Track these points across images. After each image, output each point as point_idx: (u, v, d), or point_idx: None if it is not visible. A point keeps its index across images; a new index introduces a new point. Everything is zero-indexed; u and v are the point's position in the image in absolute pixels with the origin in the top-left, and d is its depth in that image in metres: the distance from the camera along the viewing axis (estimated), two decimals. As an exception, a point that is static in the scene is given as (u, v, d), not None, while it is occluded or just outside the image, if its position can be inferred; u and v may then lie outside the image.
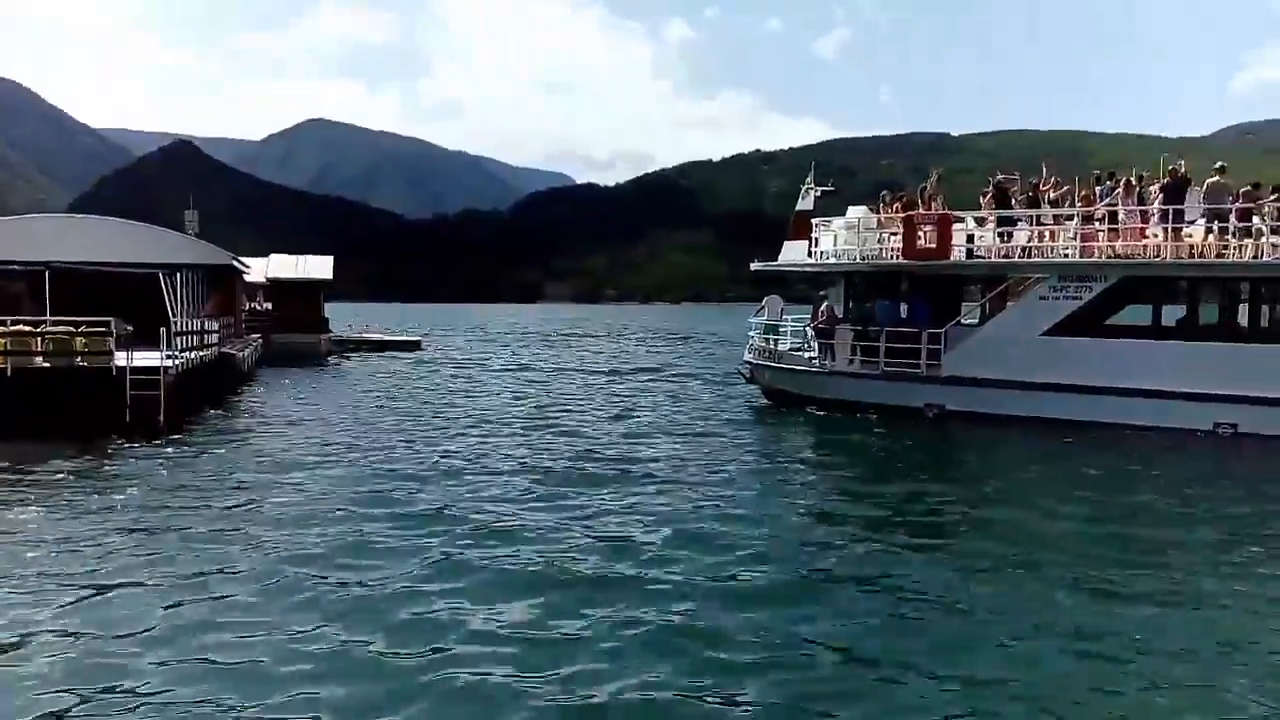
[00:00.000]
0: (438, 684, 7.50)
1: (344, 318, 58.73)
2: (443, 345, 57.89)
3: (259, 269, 45.40)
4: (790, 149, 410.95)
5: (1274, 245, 19.85)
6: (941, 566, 10.80)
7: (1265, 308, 20.92)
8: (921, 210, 23.63)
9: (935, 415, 22.31)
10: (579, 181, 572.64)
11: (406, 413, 24.04)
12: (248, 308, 45.71)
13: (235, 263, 32.55)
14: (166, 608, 9.14)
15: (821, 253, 25.02)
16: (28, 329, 20.22)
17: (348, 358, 45.83)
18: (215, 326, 29.69)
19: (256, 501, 13.64)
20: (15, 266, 26.60)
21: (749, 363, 27.82)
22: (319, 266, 49.90)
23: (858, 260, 24.22)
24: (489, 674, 7.69)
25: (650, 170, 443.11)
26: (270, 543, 11.39)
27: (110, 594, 9.58)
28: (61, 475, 15.26)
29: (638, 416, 23.79)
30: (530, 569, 10.47)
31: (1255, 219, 20.27)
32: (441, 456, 17.35)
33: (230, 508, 13.23)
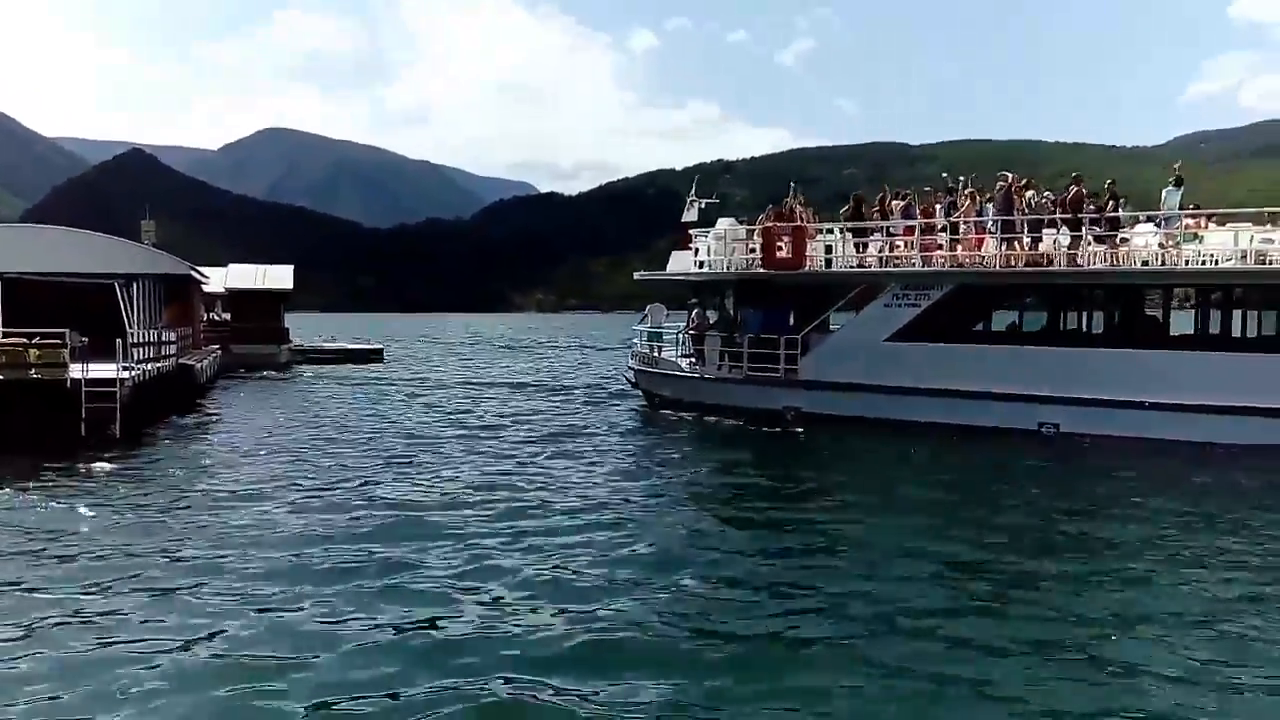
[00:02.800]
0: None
1: (305, 328, 58.08)
2: (402, 357, 57.48)
3: (218, 279, 44.89)
4: (752, 158, 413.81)
5: (1097, 255, 20.79)
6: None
7: (1086, 314, 22.02)
8: (771, 223, 24.55)
9: (793, 417, 23.03)
10: (543, 190, 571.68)
11: (356, 428, 23.46)
12: (206, 318, 45.16)
13: (193, 273, 32.21)
14: (103, 620, 9.07)
15: (700, 263, 25.95)
16: (-21, 341, 19.85)
17: (308, 369, 45.36)
18: (173, 337, 29.28)
19: (207, 516, 13.43)
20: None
21: (633, 369, 28.49)
22: (279, 276, 49.41)
23: (725, 271, 25.15)
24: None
25: (614, 179, 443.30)
26: (215, 557, 11.22)
27: (51, 609, 9.43)
28: (11, 489, 14.97)
29: (527, 428, 23.46)
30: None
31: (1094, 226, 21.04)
32: (374, 481, 16.39)
33: (182, 523, 13.05)
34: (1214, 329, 20.54)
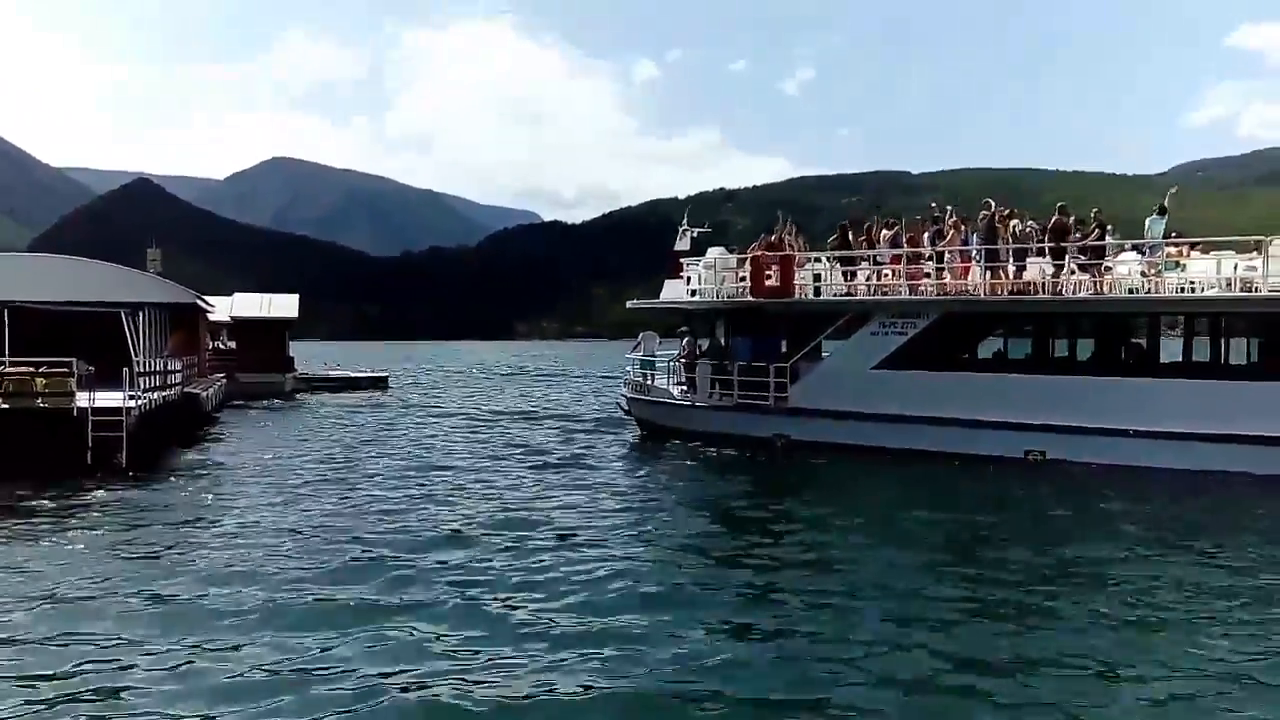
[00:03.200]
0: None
1: (311, 356, 58.17)
2: (407, 385, 57.55)
3: (223, 307, 45.11)
4: (754, 186, 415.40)
5: (1080, 283, 20.73)
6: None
7: (1071, 342, 22.22)
8: (761, 251, 24.67)
9: (782, 445, 23.30)
10: (546, 219, 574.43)
11: (361, 456, 23.49)
12: (212, 347, 45.34)
13: (199, 301, 32.34)
14: (104, 648, 9.09)
15: (692, 291, 26.02)
16: (-14, 370, 19.97)
17: (313, 398, 45.43)
18: (178, 366, 29.37)
19: (211, 546, 13.46)
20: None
21: (626, 396, 28.88)
22: (284, 305, 49.64)
23: (715, 299, 25.41)
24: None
25: (616, 208, 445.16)
26: (216, 588, 11.19)
27: (51, 637, 9.47)
28: (18, 517, 15.03)
29: (521, 457, 23.42)
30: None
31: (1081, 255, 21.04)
32: (380, 506, 16.64)
33: (185, 552, 13.05)
34: (1198, 356, 20.58)
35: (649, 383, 27.80)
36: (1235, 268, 19.94)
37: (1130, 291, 20.61)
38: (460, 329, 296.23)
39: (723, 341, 26.44)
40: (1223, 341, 20.57)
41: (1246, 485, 17.89)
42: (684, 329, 27.81)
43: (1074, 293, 20.74)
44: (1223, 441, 18.83)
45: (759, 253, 24.68)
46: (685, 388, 26.41)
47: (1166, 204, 21.35)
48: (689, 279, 26.33)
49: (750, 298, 24.32)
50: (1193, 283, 20.13)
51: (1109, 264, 21.26)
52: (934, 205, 25.13)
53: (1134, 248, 21.32)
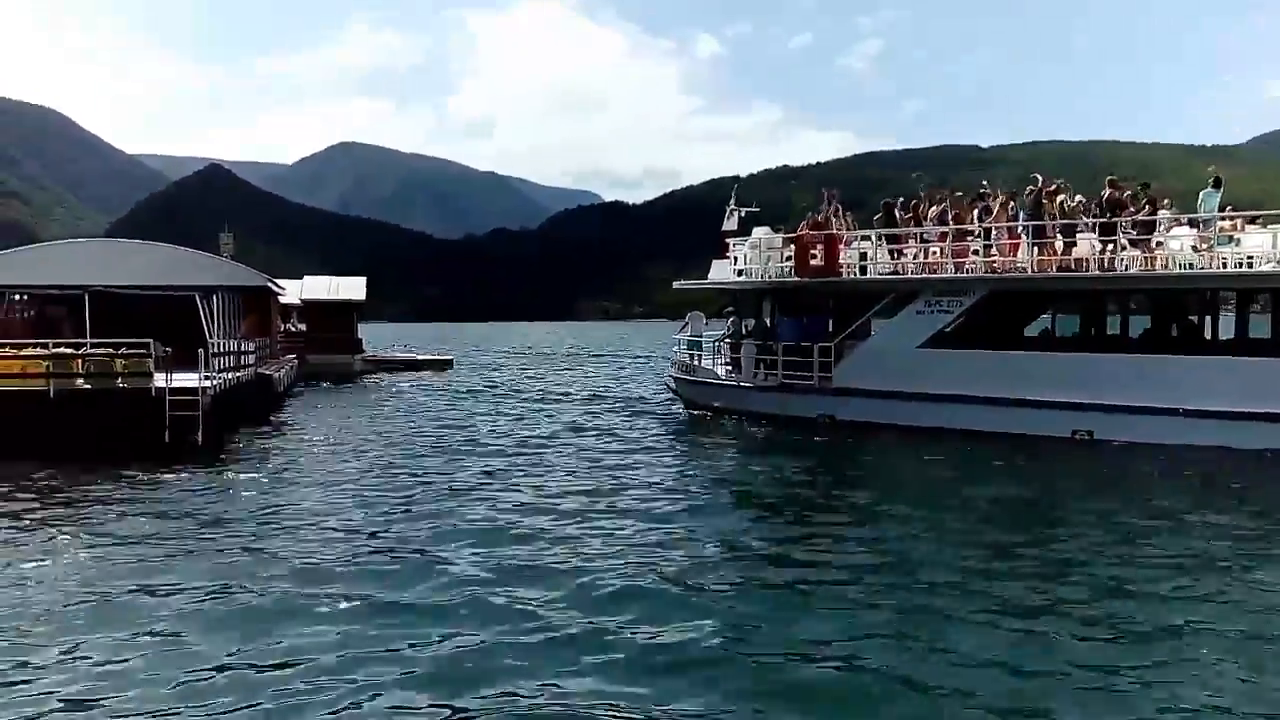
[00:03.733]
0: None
1: (377, 337, 59.03)
2: (471, 365, 58.15)
3: (293, 290, 45.95)
4: (818, 163, 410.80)
5: (1131, 259, 20.18)
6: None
7: (1120, 318, 21.81)
8: (807, 230, 24.63)
9: (827, 425, 23.14)
10: (607, 199, 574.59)
11: (429, 436, 23.70)
12: (283, 329, 46.27)
13: (270, 284, 32.93)
14: (185, 628, 9.25)
15: (739, 271, 25.96)
16: (69, 351, 20.56)
17: (380, 378, 46.15)
18: (251, 347, 29.99)
19: (285, 523, 13.68)
20: (55, 290, 27.17)
21: (673, 376, 28.95)
22: (352, 288, 50.43)
23: (760, 279, 25.33)
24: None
25: (678, 187, 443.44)
26: (292, 566, 11.32)
27: (131, 615, 9.66)
28: (99, 494, 15.46)
29: (579, 437, 23.35)
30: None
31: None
32: (452, 483, 16.81)
33: (260, 528, 13.30)
34: (1251, 333, 20.03)
35: (695, 363, 27.92)
36: (1274, 241, 19.12)
37: (1182, 267, 19.91)
38: (522, 310, 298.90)
39: (768, 321, 26.35)
40: (1273, 317, 19.90)
41: None
42: (729, 309, 27.86)
43: (1124, 269, 20.17)
44: (1275, 421, 18.23)
45: (804, 232, 24.52)
46: (731, 368, 26.49)
47: (1221, 176, 20.59)
48: (735, 259, 26.32)
49: (795, 277, 24.25)
50: (1250, 257, 19.39)
51: (1160, 239, 20.57)
52: (984, 184, 24.64)
53: (1188, 222, 20.61)
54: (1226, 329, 20.93)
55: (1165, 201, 21.64)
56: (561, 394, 36.17)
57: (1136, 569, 10.96)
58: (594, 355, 71.48)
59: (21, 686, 7.86)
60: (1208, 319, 21.01)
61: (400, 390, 38.41)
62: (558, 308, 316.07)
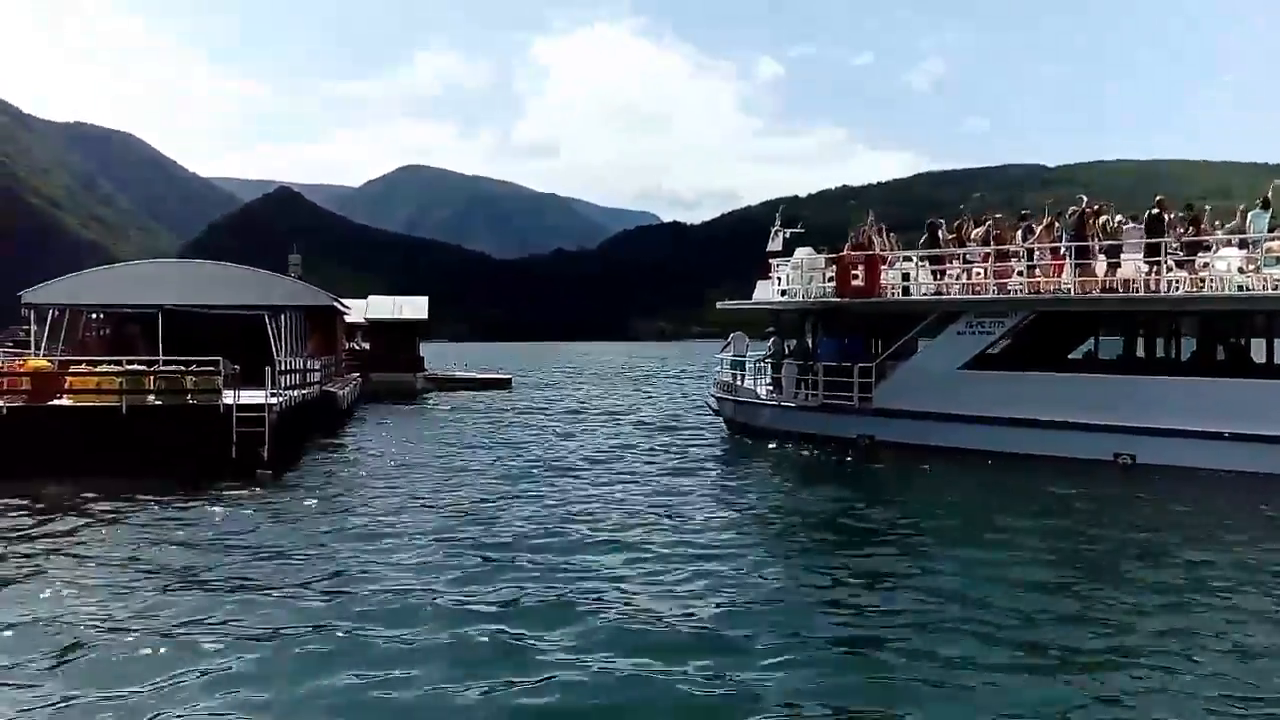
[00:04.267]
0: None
1: (438, 356, 59.67)
2: (531, 384, 58.55)
3: (358, 310, 46.79)
4: (879, 183, 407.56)
5: (1178, 280, 19.76)
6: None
7: (1163, 341, 21.36)
8: (849, 251, 24.48)
9: (867, 445, 23.01)
10: (665, 220, 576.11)
11: (491, 455, 23.75)
12: (348, 347, 47.10)
13: (336, 304, 33.56)
14: (249, 636, 9.41)
15: (782, 291, 26.01)
16: (141, 368, 21.13)
17: (441, 396, 46.64)
18: (317, 365, 30.53)
19: (350, 541, 13.85)
20: (130, 309, 28.01)
21: (715, 396, 29.19)
22: (414, 307, 51.20)
23: (802, 299, 25.42)
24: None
25: (736, 208, 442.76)
26: (359, 585, 11.42)
27: (199, 622, 9.85)
28: (167, 508, 15.85)
29: (625, 457, 23.42)
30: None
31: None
32: (514, 506, 16.74)
33: (325, 546, 13.47)
34: None
35: (737, 383, 28.04)
36: None
37: (1228, 289, 19.38)
38: (581, 329, 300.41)
39: (810, 342, 26.39)
40: None
41: None
42: (770, 329, 28.03)
43: (1168, 290, 19.77)
44: None
45: (845, 253, 24.48)
46: (772, 388, 26.60)
47: (1270, 196, 19.95)
48: (778, 279, 26.41)
49: (836, 298, 24.28)
50: None
51: (1206, 259, 20.04)
52: (1026, 211, 24.20)
53: (1238, 243, 20.05)
54: (1275, 352, 20.44)
55: (1217, 221, 21.15)
56: (610, 413, 36.13)
57: (1189, 615, 10.33)
58: (646, 375, 71.47)
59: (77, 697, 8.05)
60: (1254, 342, 20.63)
61: (460, 409, 38.70)
62: (615, 327, 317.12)
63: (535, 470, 21.07)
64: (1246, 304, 19.72)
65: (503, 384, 55.26)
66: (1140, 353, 21.48)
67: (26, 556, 12.74)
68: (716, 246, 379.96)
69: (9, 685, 8.26)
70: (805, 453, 23.34)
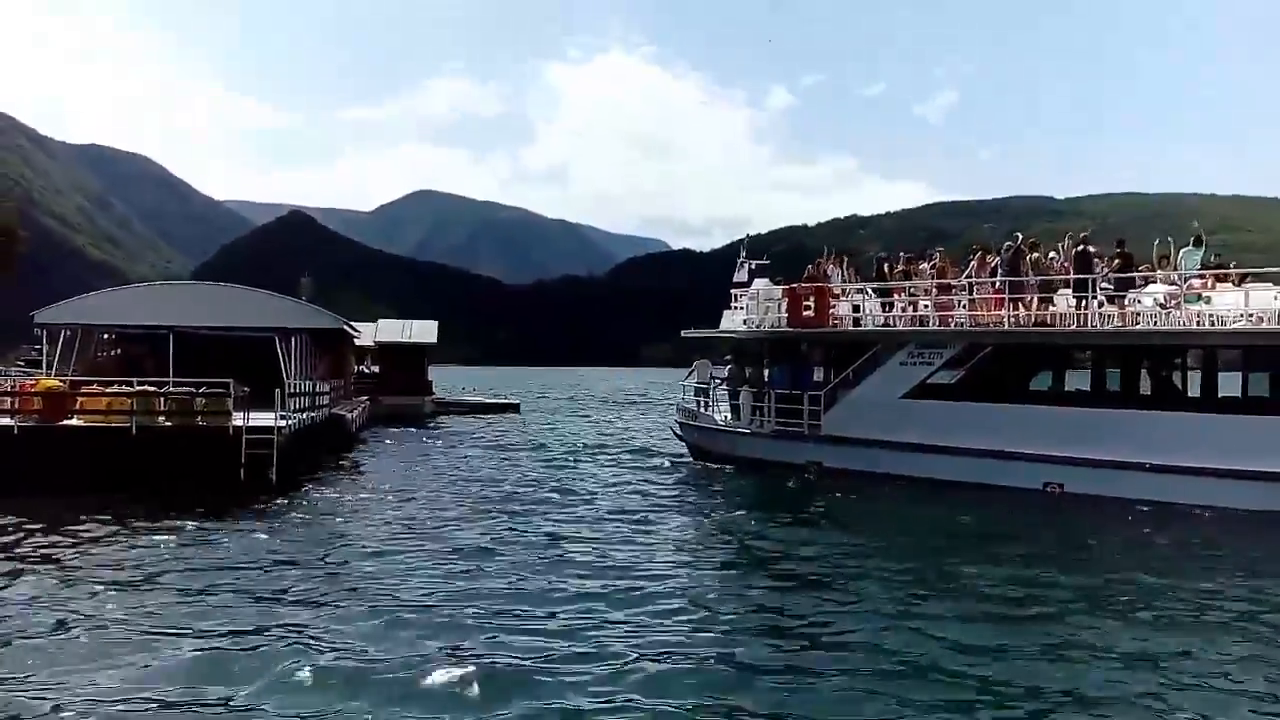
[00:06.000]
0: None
1: (449, 380, 59.69)
2: (537, 409, 58.58)
3: (368, 333, 46.91)
4: (888, 213, 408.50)
5: (1106, 316, 20.59)
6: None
7: (1091, 374, 22.15)
8: (802, 285, 25.48)
9: (814, 472, 23.71)
10: (675, 247, 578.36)
11: (493, 481, 23.71)
12: (357, 371, 47.23)
13: (345, 327, 33.67)
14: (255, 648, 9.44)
15: (745, 321, 26.75)
16: (152, 390, 21.24)
17: (450, 420, 46.70)
18: (326, 388, 30.64)
19: (355, 563, 13.90)
20: (141, 330, 28.13)
21: (679, 422, 30.18)
22: (424, 331, 51.34)
23: (757, 329, 26.28)
24: None
25: (745, 235, 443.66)
26: (360, 604, 11.50)
27: (208, 640, 9.91)
28: (176, 529, 15.86)
29: (610, 485, 23.55)
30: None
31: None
32: (518, 531, 16.82)
33: (329, 569, 13.50)
34: (1216, 391, 20.21)
35: (700, 409, 28.87)
36: (1277, 299, 19.21)
37: (1148, 324, 20.17)
38: (589, 355, 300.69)
39: (761, 369, 27.14)
40: (1244, 375, 20.09)
41: (1267, 523, 17.23)
42: (728, 357, 29.05)
43: (1095, 325, 20.62)
44: (1240, 478, 18.20)
45: (795, 285, 25.64)
46: (730, 414, 27.48)
47: (1202, 235, 20.86)
48: (740, 309, 27.22)
49: (788, 328, 25.14)
50: (1219, 316, 19.53)
51: (1136, 295, 20.93)
52: (974, 245, 25.15)
53: (1171, 280, 20.74)
54: (1196, 386, 21.05)
55: (1155, 262, 21.88)
56: (598, 446, 34.89)
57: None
58: (646, 400, 71.31)
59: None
60: (1175, 376, 21.28)
61: (466, 435, 38.60)
62: (623, 353, 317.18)
63: (523, 503, 20.31)
64: (1155, 338, 20.30)
65: (511, 409, 55.34)
66: (1068, 385, 22.33)
67: (34, 574, 12.77)
68: (727, 273, 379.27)
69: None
70: (757, 478, 23.98)
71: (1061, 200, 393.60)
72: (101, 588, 12.16)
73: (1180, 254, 20.91)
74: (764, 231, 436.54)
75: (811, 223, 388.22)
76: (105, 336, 30.88)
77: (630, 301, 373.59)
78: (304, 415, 24.93)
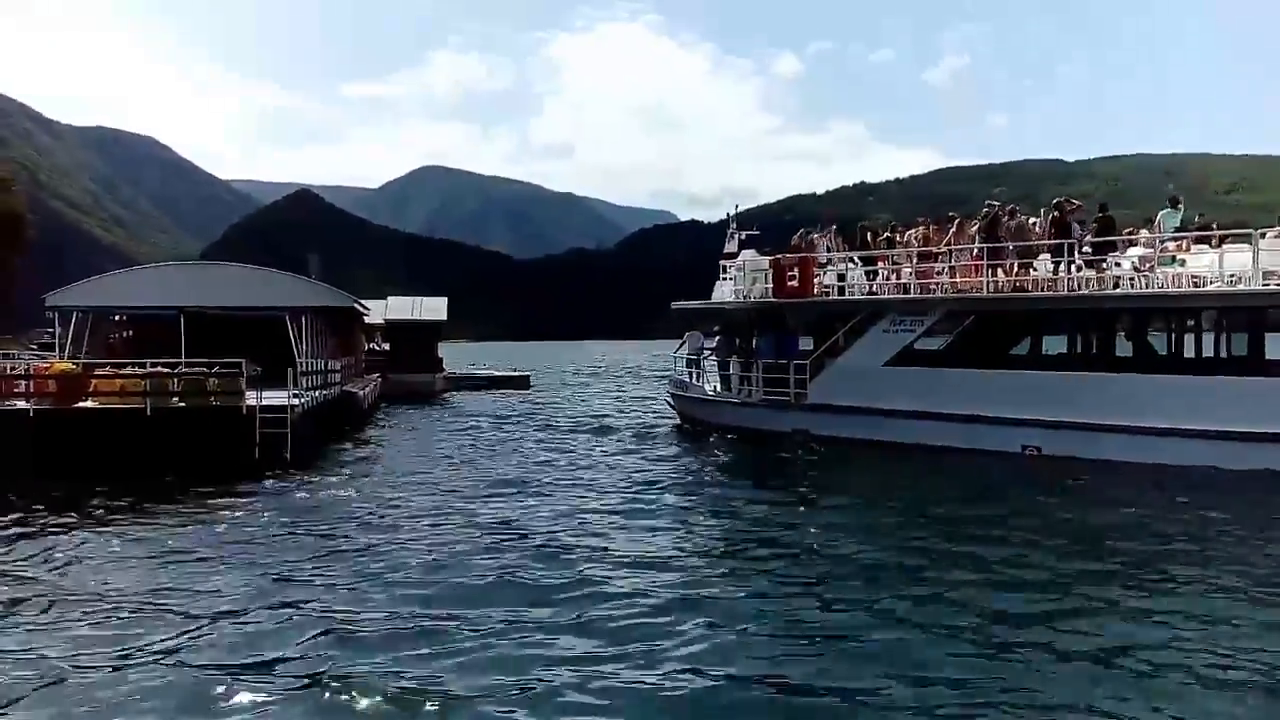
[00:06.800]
0: None
1: (459, 356, 59.70)
2: (546, 384, 58.59)
3: (378, 311, 46.93)
4: (897, 179, 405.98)
5: (1084, 281, 20.84)
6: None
7: (1068, 338, 22.54)
8: (787, 255, 25.79)
9: (801, 439, 23.77)
10: (682, 218, 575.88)
11: (506, 456, 23.66)
12: (368, 348, 47.31)
13: (355, 305, 33.69)
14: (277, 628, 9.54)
15: (734, 292, 27.11)
16: (165, 371, 21.31)
17: (460, 395, 46.79)
18: (338, 366, 30.72)
19: (369, 539, 13.90)
20: (152, 311, 28.24)
21: (671, 393, 30.76)
22: (433, 308, 51.33)
23: (744, 300, 26.64)
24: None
25: (754, 205, 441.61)
26: (377, 578, 11.60)
27: (218, 620, 9.96)
28: (191, 508, 16.00)
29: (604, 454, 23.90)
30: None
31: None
32: (527, 508, 16.69)
33: (343, 548, 13.45)
34: (1189, 352, 20.81)
35: (691, 380, 29.23)
36: (1217, 261, 19.66)
37: (1121, 288, 20.47)
38: (598, 328, 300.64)
39: (750, 340, 27.37)
40: (1216, 337, 20.67)
41: (1236, 481, 17.57)
42: (716, 329, 29.43)
43: (1070, 290, 20.80)
44: (1210, 438, 18.57)
45: (779, 256, 25.96)
46: (720, 385, 27.99)
47: (1179, 196, 21.10)
48: (731, 280, 27.53)
49: (774, 298, 25.44)
50: (1194, 278, 19.93)
51: (1118, 259, 21.36)
52: (952, 214, 25.23)
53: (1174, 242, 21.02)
54: (1169, 348, 21.40)
55: (1129, 230, 22.39)
56: (599, 419, 34.19)
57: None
58: (652, 373, 71.19)
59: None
60: (1147, 338, 21.51)
61: (476, 411, 38.46)
62: (632, 326, 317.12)
63: (527, 476, 20.26)
64: (1126, 302, 20.60)
65: (521, 382, 55.43)
66: (1046, 349, 22.64)
67: (50, 555, 12.90)
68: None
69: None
70: (746, 446, 24.25)
71: (1072, 162, 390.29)
72: (116, 566, 12.28)
73: (1159, 216, 21.27)
74: (772, 201, 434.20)
75: (820, 191, 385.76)
76: (117, 318, 31.01)
77: (638, 274, 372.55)
78: (316, 393, 25.02)
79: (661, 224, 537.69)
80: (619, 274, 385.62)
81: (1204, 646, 8.93)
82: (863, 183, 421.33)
